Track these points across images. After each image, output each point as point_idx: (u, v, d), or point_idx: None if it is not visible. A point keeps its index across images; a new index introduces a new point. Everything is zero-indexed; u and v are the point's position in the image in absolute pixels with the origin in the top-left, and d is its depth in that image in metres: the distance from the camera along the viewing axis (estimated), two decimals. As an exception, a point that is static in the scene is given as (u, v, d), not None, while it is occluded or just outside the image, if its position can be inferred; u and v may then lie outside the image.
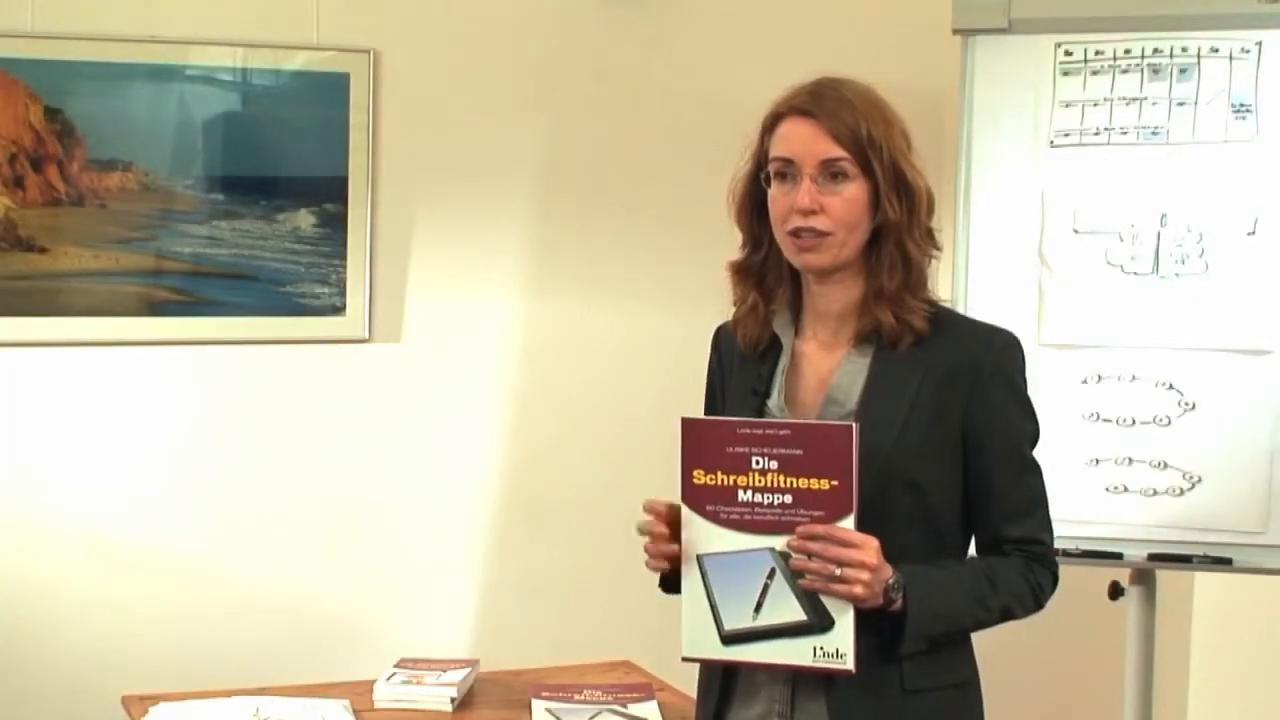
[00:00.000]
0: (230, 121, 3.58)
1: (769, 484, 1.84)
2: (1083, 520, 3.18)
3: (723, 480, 1.85)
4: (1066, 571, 3.33)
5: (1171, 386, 3.16)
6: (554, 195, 3.82)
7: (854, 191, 2.17)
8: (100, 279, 3.50)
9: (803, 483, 1.84)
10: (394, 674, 3.23)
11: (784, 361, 2.24)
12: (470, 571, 3.80)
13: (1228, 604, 3.90)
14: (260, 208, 3.59)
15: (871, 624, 2.07)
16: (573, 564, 3.83)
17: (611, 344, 3.86)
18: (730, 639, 1.88)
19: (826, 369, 2.21)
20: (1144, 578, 3.25)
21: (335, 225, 3.64)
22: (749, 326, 2.26)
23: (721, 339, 2.37)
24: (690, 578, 1.89)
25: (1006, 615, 2.21)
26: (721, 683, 2.24)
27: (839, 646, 1.95)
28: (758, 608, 1.89)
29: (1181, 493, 3.16)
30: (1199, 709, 4.01)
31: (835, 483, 1.83)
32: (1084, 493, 3.19)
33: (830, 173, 2.16)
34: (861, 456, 2.00)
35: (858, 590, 2.01)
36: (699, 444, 1.87)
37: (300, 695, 3.10)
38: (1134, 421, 3.18)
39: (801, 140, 2.17)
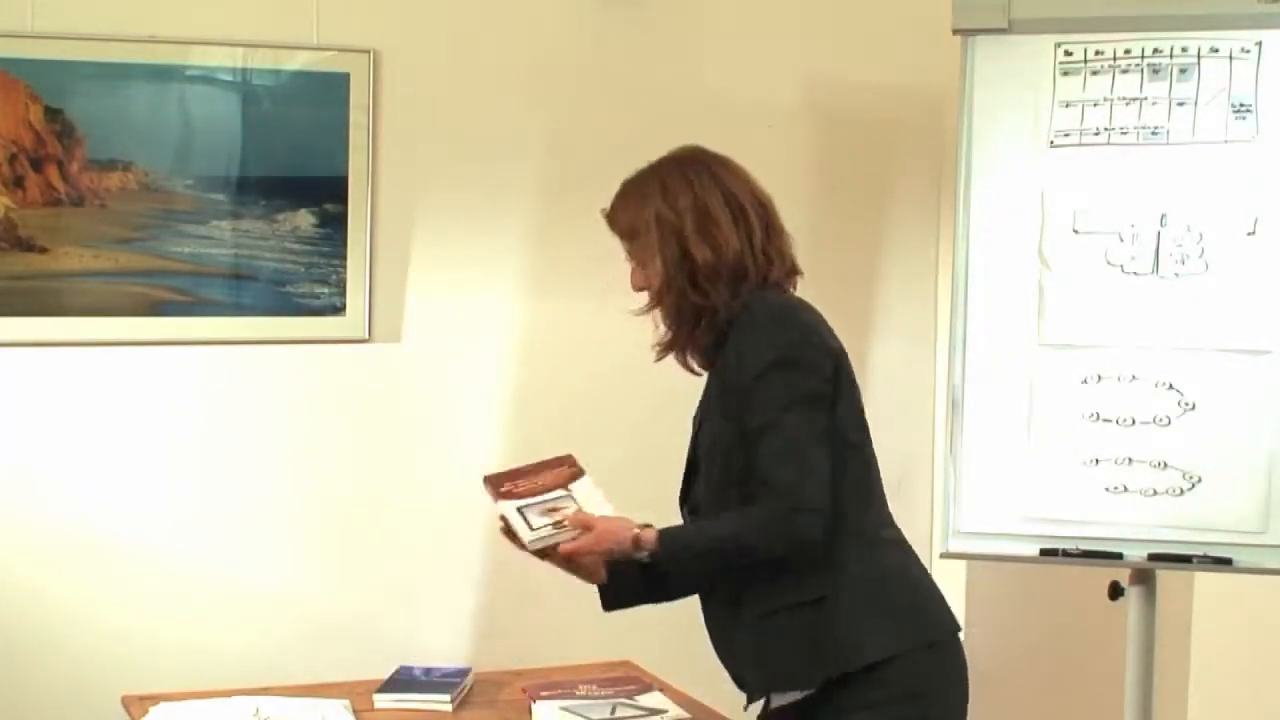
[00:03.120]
0: (230, 121, 3.58)
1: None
2: (1083, 520, 3.19)
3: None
4: (1067, 571, 3.35)
5: (1171, 386, 3.16)
6: (554, 195, 3.83)
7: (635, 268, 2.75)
8: (100, 279, 3.50)
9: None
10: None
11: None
12: (470, 571, 3.80)
13: (1228, 604, 3.90)
14: (260, 208, 3.59)
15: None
16: (573, 564, 3.83)
17: (611, 344, 3.85)
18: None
19: None
20: (1144, 578, 3.25)
21: (335, 225, 3.64)
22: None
23: None
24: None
25: (741, 546, 2.55)
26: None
27: None
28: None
29: (1181, 493, 3.16)
30: (1199, 709, 4.01)
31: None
32: (1084, 493, 3.19)
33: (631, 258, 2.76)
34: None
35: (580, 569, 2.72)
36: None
37: (300, 695, 3.10)
38: (1134, 421, 3.18)
39: None
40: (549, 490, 2.74)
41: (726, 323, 2.63)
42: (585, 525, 2.65)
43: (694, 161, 2.73)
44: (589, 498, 2.74)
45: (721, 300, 2.62)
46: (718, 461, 2.62)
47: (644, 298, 2.72)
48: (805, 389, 2.54)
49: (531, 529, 2.68)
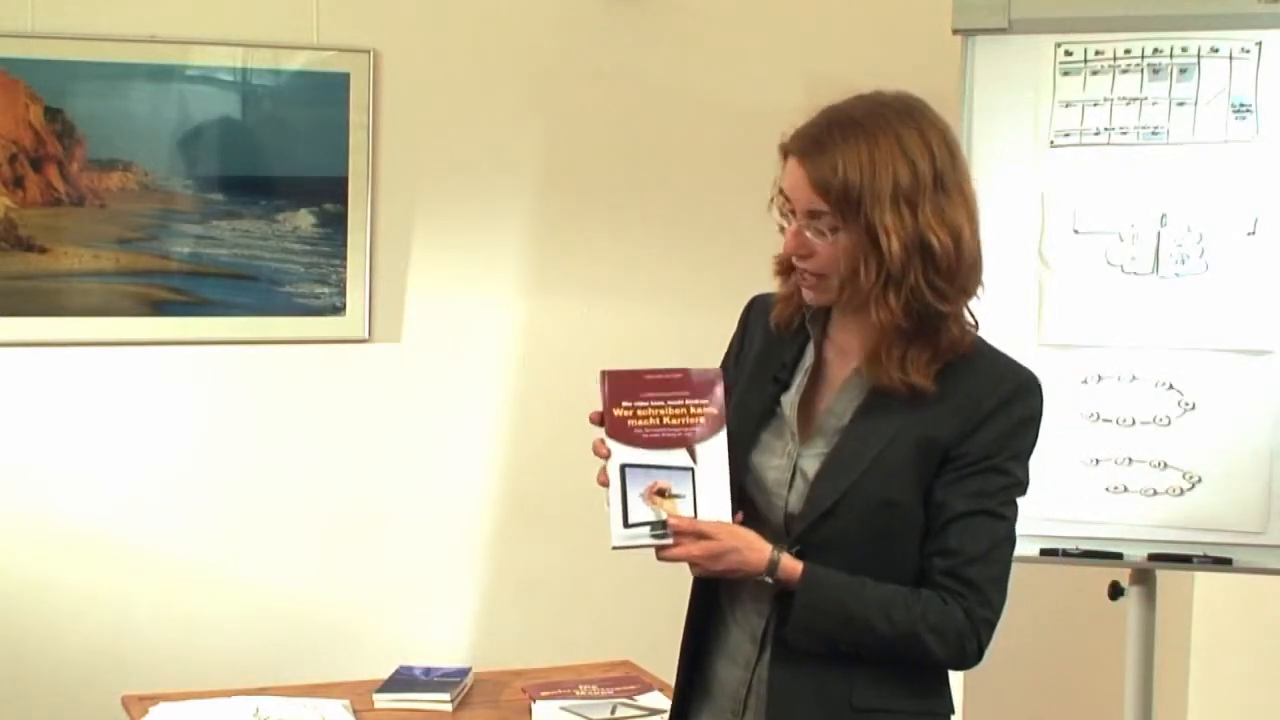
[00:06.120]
0: (230, 121, 3.58)
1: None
2: (1083, 520, 3.18)
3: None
4: (1067, 571, 3.35)
5: (1171, 386, 3.16)
6: (554, 195, 3.83)
7: (843, 241, 2.08)
8: (100, 279, 3.50)
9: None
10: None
11: (808, 362, 2.24)
12: (470, 572, 3.80)
13: (1228, 604, 3.90)
14: (260, 208, 3.59)
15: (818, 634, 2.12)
16: (572, 564, 3.83)
17: (611, 344, 3.85)
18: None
19: (840, 379, 2.21)
20: (1144, 578, 3.25)
21: (335, 225, 3.64)
22: (786, 309, 2.25)
23: (754, 308, 2.35)
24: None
25: (914, 642, 2.08)
26: (684, 684, 2.35)
27: None
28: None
29: (1181, 493, 3.15)
30: (1199, 709, 4.01)
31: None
32: (1084, 493, 3.19)
33: (816, 222, 2.09)
34: (836, 474, 2.13)
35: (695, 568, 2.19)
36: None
37: (300, 695, 3.10)
38: (1134, 421, 3.18)
39: (792, 184, 2.11)
40: (672, 442, 2.18)
41: (948, 346, 2.14)
42: (697, 534, 2.14)
43: (923, 117, 2.17)
44: (711, 478, 2.18)
45: (953, 309, 2.12)
46: (883, 514, 2.11)
47: (787, 278, 2.19)
48: (1021, 493, 2.17)
49: (627, 520, 2.17)
